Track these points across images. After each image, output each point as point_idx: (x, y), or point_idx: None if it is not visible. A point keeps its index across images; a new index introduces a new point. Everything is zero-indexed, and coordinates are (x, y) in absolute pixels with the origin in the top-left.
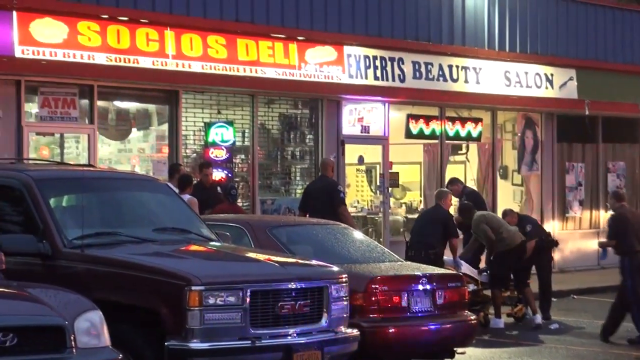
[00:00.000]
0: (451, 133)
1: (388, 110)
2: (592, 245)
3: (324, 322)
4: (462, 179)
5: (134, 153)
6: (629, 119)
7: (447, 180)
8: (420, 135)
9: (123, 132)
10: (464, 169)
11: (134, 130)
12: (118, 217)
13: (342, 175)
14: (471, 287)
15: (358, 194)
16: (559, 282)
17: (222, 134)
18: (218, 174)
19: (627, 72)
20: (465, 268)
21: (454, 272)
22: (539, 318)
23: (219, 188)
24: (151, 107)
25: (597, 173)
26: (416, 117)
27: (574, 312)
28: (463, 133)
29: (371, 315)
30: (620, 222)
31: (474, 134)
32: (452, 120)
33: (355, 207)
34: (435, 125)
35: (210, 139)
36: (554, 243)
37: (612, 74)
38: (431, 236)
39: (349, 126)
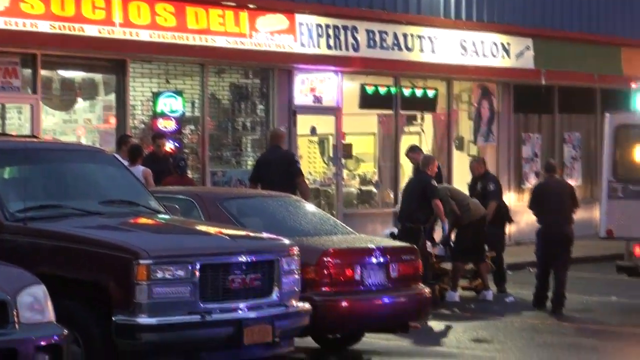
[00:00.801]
0: (406, 104)
1: (341, 80)
2: None
3: (274, 296)
4: None
5: (80, 124)
6: (585, 89)
7: (402, 152)
8: (374, 105)
9: (68, 103)
10: (419, 140)
11: (79, 100)
12: (63, 189)
13: (294, 147)
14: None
15: (310, 165)
16: (515, 254)
17: (170, 105)
18: (167, 145)
19: (583, 41)
20: None
21: (407, 245)
22: (490, 294)
23: (171, 159)
24: (97, 77)
25: (553, 144)
26: (370, 87)
27: (530, 285)
28: (418, 104)
29: (323, 289)
30: (537, 193)
31: (429, 104)
32: (407, 90)
33: (308, 179)
34: (390, 96)
35: (158, 110)
36: (509, 219)
37: (569, 43)
38: (410, 206)
39: (301, 96)
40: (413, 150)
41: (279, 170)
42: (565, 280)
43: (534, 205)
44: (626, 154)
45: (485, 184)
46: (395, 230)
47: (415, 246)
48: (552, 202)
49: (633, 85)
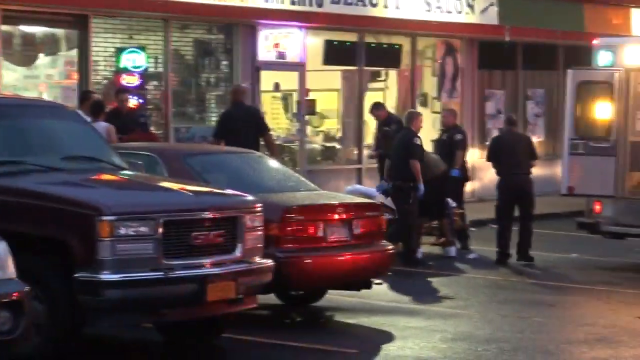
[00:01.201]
0: (370, 60)
1: (305, 36)
2: None
3: (237, 252)
4: None
5: (42, 80)
6: (548, 46)
7: (366, 109)
8: (338, 61)
9: (29, 58)
10: (383, 97)
11: (41, 56)
12: (24, 145)
13: (258, 103)
14: (387, 216)
15: (274, 122)
16: (478, 211)
17: (134, 60)
18: (130, 101)
19: None
20: (383, 198)
21: (372, 201)
22: (453, 250)
23: (135, 116)
24: (59, 32)
25: (517, 100)
26: (334, 43)
27: (492, 242)
28: (382, 60)
29: (286, 246)
30: (494, 145)
31: (394, 61)
32: (371, 45)
33: (272, 135)
34: (354, 52)
35: (121, 65)
36: (466, 177)
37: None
38: (398, 164)
39: (265, 52)
40: (377, 108)
41: (244, 126)
42: (530, 229)
43: (492, 157)
44: (587, 110)
45: (452, 134)
46: (384, 185)
47: (379, 203)
48: (509, 154)
49: (595, 42)
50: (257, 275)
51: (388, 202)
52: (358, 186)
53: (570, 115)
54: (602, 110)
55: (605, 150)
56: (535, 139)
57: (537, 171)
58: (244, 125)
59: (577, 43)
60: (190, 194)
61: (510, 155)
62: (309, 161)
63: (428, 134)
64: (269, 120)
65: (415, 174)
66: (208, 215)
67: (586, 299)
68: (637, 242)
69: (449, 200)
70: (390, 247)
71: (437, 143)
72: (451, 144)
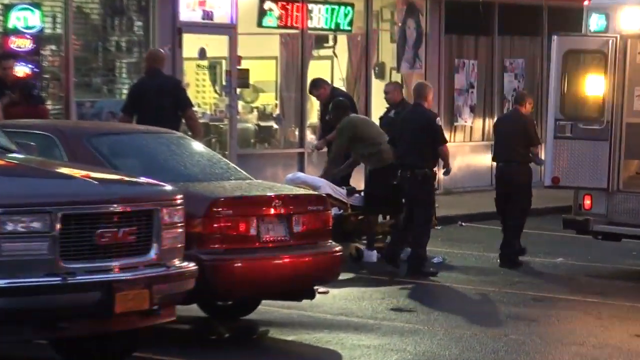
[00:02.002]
0: (315, 21)
1: None
2: (484, 160)
3: (153, 253)
4: (329, 80)
5: None
6: (530, 7)
7: (309, 80)
8: (276, 24)
9: None
10: (331, 66)
11: None
12: None
13: (179, 72)
14: (334, 211)
15: (199, 95)
16: (445, 205)
17: (26, 19)
18: (21, 69)
19: None
20: (330, 188)
21: (315, 193)
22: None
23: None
24: None
25: (492, 72)
26: (271, 2)
27: (462, 243)
28: (330, 22)
29: (213, 246)
30: (493, 130)
31: (344, 22)
32: (317, 4)
33: (196, 112)
34: (296, 11)
35: (10, 25)
36: None
37: None
38: (415, 151)
39: (188, 11)
40: (316, 86)
41: (161, 100)
42: (514, 230)
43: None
44: (576, 85)
45: (402, 111)
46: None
47: (325, 194)
48: (500, 140)
49: (586, 3)
50: (176, 281)
51: (338, 193)
52: (300, 174)
53: (556, 91)
54: (594, 86)
55: (596, 133)
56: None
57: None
58: (160, 99)
59: (565, 4)
60: (95, 182)
61: (501, 142)
62: (240, 144)
63: (382, 111)
64: (192, 94)
65: (446, 160)
66: (117, 208)
67: (573, 312)
68: (634, 245)
69: None
70: (338, 248)
71: (383, 122)
72: None
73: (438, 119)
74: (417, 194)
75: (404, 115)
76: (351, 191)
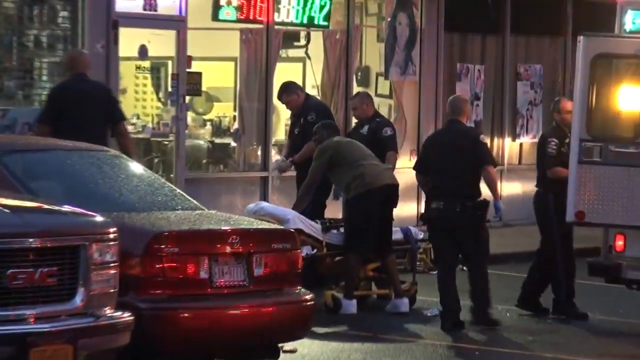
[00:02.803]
0: (283, 14)
1: None
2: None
3: (78, 300)
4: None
5: None
6: (550, 1)
7: (275, 87)
8: (236, 17)
9: None
10: (303, 70)
11: None
12: None
13: (115, 75)
14: (305, 250)
15: (138, 104)
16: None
17: None
18: None
19: None
20: (301, 222)
21: (282, 227)
22: (404, 304)
23: None
24: None
25: (503, 80)
26: None
27: (462, 292)
28: (302, 15)
29: (154, 292)
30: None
31: (319, 16)
32: None
33: (134, 124)
34: (260, 2)
35: None
36: None
37: None
38: (464, 177)
39: (126, 0)
40: (287, 91)
41: (87, 109)
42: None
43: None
44: (606, 98)
45: (376, 128)
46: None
47: (293, 229)
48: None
49: None
50: (107, 335)
51: (311, 228)
52: (264, 204)
53: (582, 105)
54: (629, 99)
55: (631, 157)
56: (528, 139)
57: (527, 187)
58: (87, 109)
59: None
60: (7, 211)
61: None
62: (189, 165)
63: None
64: (130, 102)
65: (494, 186)
66: (33, 243)
67: None
68: None
69: (412, 228)
70: (309, 296)
71: (354, 138)
72: (377, 141)
73: (482, 136)
74: (476, 229)
75: (440, 137)
76: (328, 226)
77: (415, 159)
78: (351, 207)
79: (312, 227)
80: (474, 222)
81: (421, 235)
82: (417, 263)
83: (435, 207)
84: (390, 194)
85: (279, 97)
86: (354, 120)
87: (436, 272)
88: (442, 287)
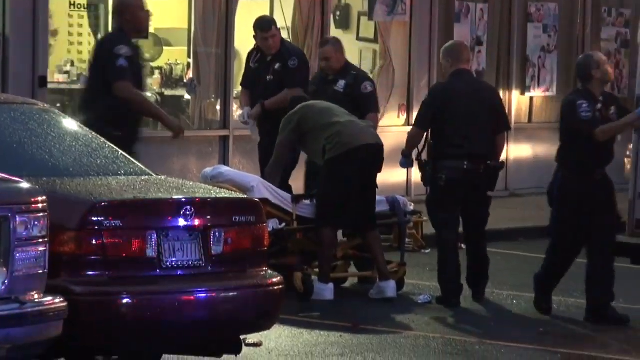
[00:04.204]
0: None
1: None
2: None
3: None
4: None
5: None
6: None
7: (239, 28)
8: None
9: None
10: (270, 9)
11: None
12: None
13: (43, 14)
14: (272, 224)
15: (72, 49)
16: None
17: None
18: None
19: None
20: (268, 191)
21: (245, 197)
22: (392, 288)
23: None
24: None
25: (510, 22)
26: None
27: (463, 272)
28: None
29: (91, 273)
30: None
31: None
32: None
33: (68, 73)
34: None
35: None
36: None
37: None
38: (488, 136)
39: None
40: (265, 27)
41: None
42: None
43: None
44: None
45: (354, 83)
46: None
47: (257, 199)
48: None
49: None
50: (34, 325)
51: (279, 198)
52: (224, 168)
53: None
54: None
55: None
56: (540, 93)
57: (538, 149)
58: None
59: None
60: None
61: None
62: None
63: None
64: (62, 46)
65: (500, 153)
66: None
67: None
68: None
69: (400, 198)
70: (277, 278)
71: (322, 97)
72: (355, 99)
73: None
74: (487, 193)
75: (459, 89)
76: (299, 196)
77: (407, 114)
78: (326, 171)
79: (280, 197)
80: (490, 186)
81: (411, 207)
82: (407, 240)
83: (455, 167)
84: (373, 156)
85: (256, 32)
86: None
87: (429, 249)
88: (445, 261)
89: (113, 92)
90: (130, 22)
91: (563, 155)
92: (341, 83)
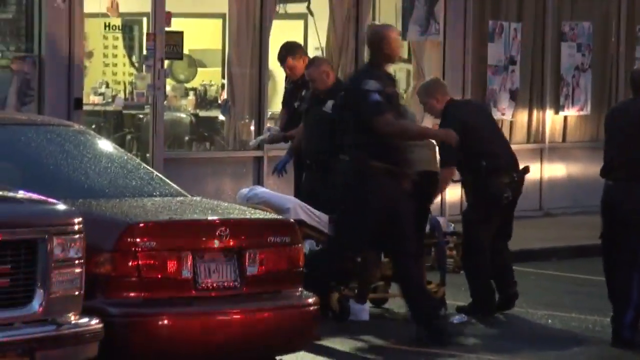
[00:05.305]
0: None
1: None
2: (532, 172)
3: (36, 305)
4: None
5: None
6: None
7: (272, 50)
8: None
9: None
10: (304, 30)
11: None
12: None
13: (78, 35)
14: (308, 245)
15: (107, 70)
16: None
17: None
18: None
19: None
20: (303, 211)
21: (281, 217)
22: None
23: None
24: None
25: (544, 41)
26: None
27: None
28: None
29: (127, 294)
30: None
31: None
32: None
33: (102, 94)
34: None
35: None
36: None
37: None
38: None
39: None
40: (293, 51)
41: None
42: None
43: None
44: None
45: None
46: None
47: (292, 220)
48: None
49: None
50: (70, 346)
51: (315, 218)
52: (259, 189)
53: None
54: None
55: None
56: (574, 112)
57: (572, 169)
58: None
59: None
60: None
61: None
62: (169, 143)
63: None
64: (97, 68)
65: None
66: None
67: None
68: None
69: (440, 219)
70: (312, 299)
71: (310, 117)
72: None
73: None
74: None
75: (473, 107)
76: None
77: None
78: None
79: (317, 218)
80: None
81: (452, 227)
82: (447, 260)
83: (509, 182)
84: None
85: (281, 59)
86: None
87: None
88: (480, 273)
89: (374, 129)
90: (387, 53)
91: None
92: (329, 104)
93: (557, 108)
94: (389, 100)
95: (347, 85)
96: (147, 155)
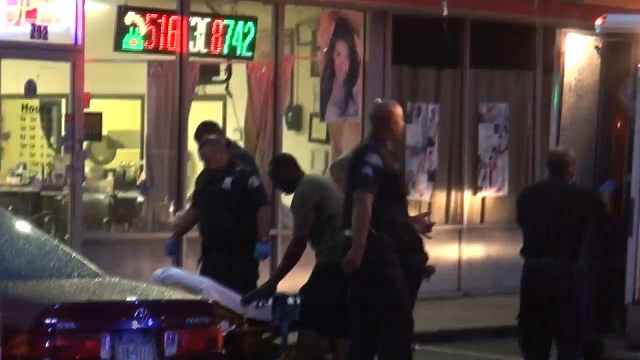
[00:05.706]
0: (200, 44)
1: None
2: (451, 253)
3: None
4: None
5: None
6: (517, 26)
7: (191, 131)
8: (144, 46)
9: None
10: (223, 111)
11: None
12: None
13: None
14: (225, 325)
15: (25, 151)
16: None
17: None
18: None
19: None
20: (216, 292)
21: (196, 297)
22: None
23: None
24: None
25: (462, 123)
26: (137, 12)
27: None
28: (222, 44)
29: None
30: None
31: (242, 46)
32: (202, 17)
33: (20, 175)
34: (172, 28)
35: None
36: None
37: None
38: (559, 229)
39: (10, 25)
40: (209, 132)
41: None
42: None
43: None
44: None
45: (241, 178)
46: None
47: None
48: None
49: (599, 22)
50: None
51: (228, 300)
52: (174, 270)
53: None
54: None
55: None
56: (492, 193)
57: (491, 250)
58: None
59: (569, 21)
60: None
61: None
62: (87, 225)
63: None
64: (14, 149)
65: None
66: None
67: None
68: None
69: None
70: None
71: (207, 196)
72: (242, 194)
73: None
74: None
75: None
76: (249, 297)
77: None
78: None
79: (230, 298)
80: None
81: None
82: None
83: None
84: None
85: (198, 139)
86: None
87: None
88: None
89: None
90: (393, 130)
91: None
92: (227, 181)
93: (475, 189)
94: (394, 177)
95: (352, 158)
96: (66, 236)
